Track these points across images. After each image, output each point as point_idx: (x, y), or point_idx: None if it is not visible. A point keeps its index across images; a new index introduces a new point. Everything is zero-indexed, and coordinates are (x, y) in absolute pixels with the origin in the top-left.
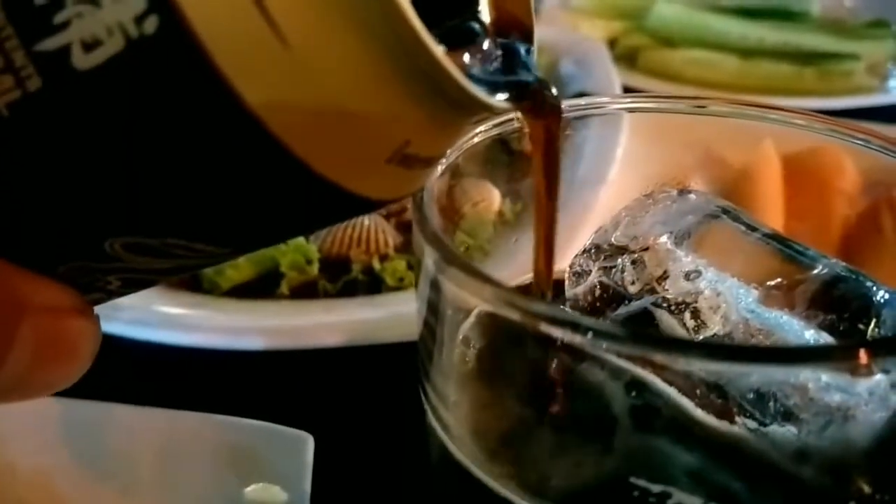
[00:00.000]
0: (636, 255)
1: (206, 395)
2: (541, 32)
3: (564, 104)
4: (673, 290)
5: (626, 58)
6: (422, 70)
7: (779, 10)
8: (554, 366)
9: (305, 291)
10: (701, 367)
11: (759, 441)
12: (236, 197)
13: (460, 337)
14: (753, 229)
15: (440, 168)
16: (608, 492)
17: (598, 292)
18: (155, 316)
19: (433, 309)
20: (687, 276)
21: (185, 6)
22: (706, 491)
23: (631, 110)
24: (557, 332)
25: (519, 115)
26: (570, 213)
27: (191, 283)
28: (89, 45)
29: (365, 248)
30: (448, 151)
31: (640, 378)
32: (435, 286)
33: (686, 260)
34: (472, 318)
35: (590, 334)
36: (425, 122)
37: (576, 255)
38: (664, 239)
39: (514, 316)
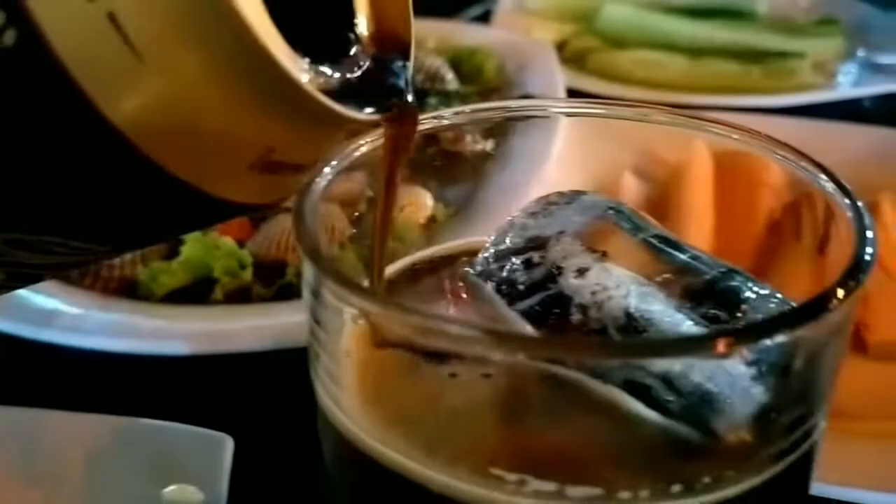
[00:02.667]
0: (529, 255)
1: (133, 400)
2: (489, 36)
3: (499, 105)
4: (564, 286)
5: (576, 60)
6: (274, 85)
7: (727, 10)
8: (431, 365)
9: (240, 296)
10: (559, 361)
11: (623, 427)
12: (101, 199)
13: (343, 341)
14: (639, 230)
15: (324, 180)
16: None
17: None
18: (86, 322)
19: (316, 315)
20: (577, 273)
21: (42, 21)
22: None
23: (569, 115)
24: (434, 340)
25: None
26: (500, 215)
27: (127, 289)
28: None
29: None
30: (321, 157)
31: (501, 373)
32: (315, 295)
33: (576, 259)
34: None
35: (459, 339)
36: (287, 132)
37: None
38: (557, 238)
39: (390, 324)
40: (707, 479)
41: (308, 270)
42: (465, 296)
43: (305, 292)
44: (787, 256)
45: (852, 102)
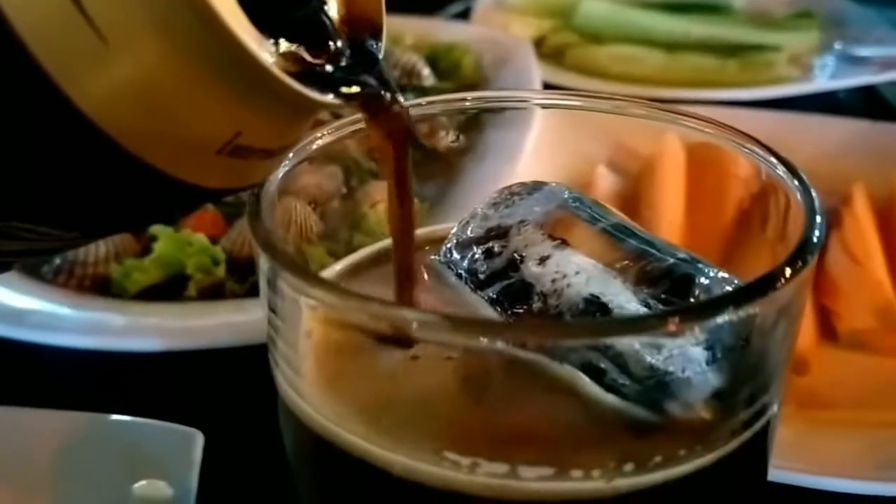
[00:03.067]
0: (491, 244)
1: (105, 396)
2: (466, 32)
3: (484, 96)
4: (525, 274)
5: (554, 55)
6: (239, 67)
7: (704, 4)
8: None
9: (214, 293)
10: (513, 343)
11: (575, 408)
12: (68, 184)
13: (301, 329)
14: (599, 219)
15: (280, 172)
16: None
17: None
18: (58, 320)
19: (273, 304)
20: (538, 261)
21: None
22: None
23: (544, 106)
24: (389, 326)
25: (361, 116)
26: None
27: (100, 287)
28: None
29: None
30: (291, 142)
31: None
32: (272, 286)
33: (537, 247)
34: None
35: (414, 325)
36: (254, 116)
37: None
38: (518, 228)
39: (347, 317)
40: (658, 458)
41: (264, 263)
42: (427, 280)
43: (262, 283)
44: (752, 247)
45: (829, 95)
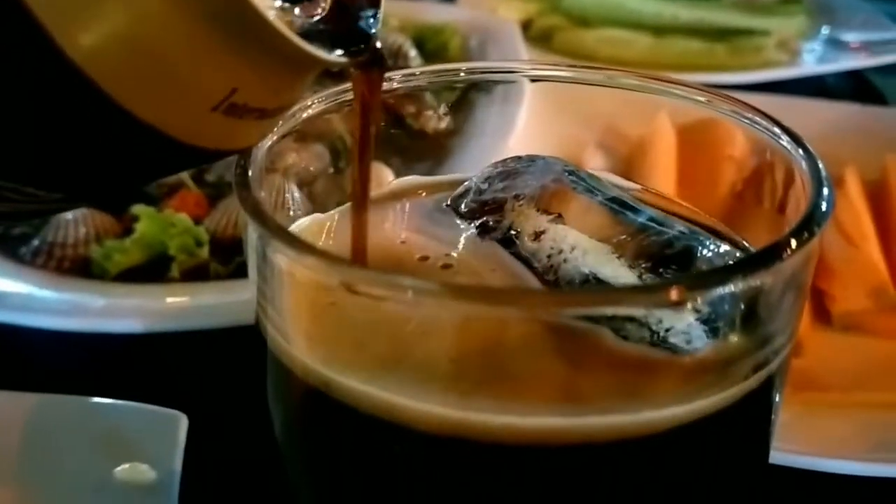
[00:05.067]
0: (485, 219)
1: (87, 379)
2: (453, 14)
3: (475, 67)
4: (521, 249)
5: (542, 39)
6: (239, 18)
7: None
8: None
9: (197, 274)
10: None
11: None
12: (55, 140)
13: (288, 285)
14: (596, 192)
15: (268, 143)
16: None
17: None
18: (38, 302)
19: (263, 274)
20: (533, 236)
21: None
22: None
23: (534, 79)
24: (381, 293)
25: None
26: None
27: (80, 268)
28: None
29: None
30: (287, 104)
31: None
32: (262, 256)
33: (532, 222)
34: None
35: (409, 293)
36: (252, 72)
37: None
38: (512, 201)
39: (334, 282)
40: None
41: (252, 232)
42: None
43: (250, 252)
44: (749, 221)
45: (816, 79)
